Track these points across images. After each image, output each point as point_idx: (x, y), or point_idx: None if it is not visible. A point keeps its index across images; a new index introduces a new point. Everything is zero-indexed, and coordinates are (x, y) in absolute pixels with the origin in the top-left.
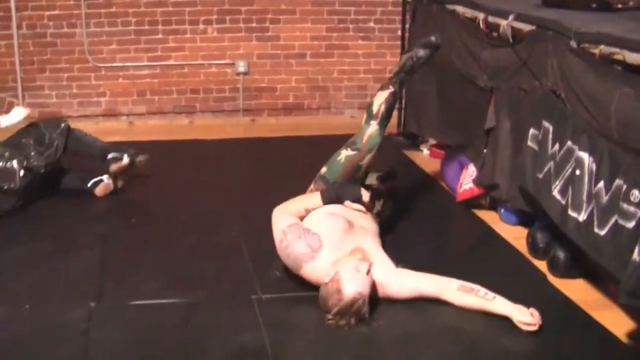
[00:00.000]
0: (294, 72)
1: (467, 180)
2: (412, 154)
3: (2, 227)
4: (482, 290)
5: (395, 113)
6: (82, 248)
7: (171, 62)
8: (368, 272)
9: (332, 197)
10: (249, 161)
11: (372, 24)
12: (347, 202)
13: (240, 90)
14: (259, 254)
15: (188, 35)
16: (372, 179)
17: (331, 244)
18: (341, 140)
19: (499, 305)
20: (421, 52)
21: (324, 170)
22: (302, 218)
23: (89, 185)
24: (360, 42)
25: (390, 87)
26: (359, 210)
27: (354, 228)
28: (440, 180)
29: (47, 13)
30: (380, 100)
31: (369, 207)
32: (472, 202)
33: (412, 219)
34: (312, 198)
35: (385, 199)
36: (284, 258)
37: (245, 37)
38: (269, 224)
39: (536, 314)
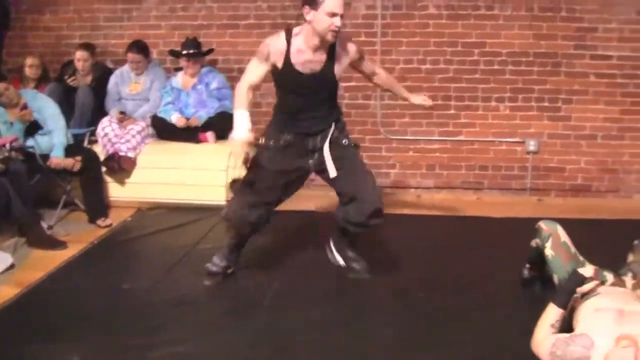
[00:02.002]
0: (583, 153)
1: None
2: None
3: None
4: None
5: None
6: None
7: (462, 137)
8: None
9: (562, 298)
10: None
11: None
12: (579, 289)
13: (528, 169)
14: None
15: (480, 112)
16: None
17: (604, 338)
18: (629, 225)
19: None
20: None
21: (555, 278)
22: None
23: None
24: None
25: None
26: (594, 289)
27: (625, 315)
28: None
29: (344, 84)
30: None
31: (598, 280)
32: None
33: None
34: (549, 313)
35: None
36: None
37: (537, 116)
38: None
39: None
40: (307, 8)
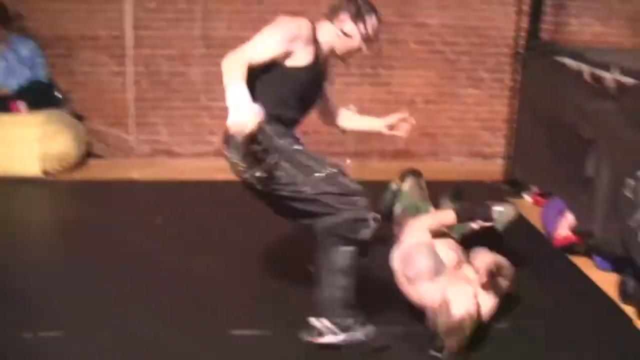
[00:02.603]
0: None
1: (564, 227)
2: (514, 202)
3: None
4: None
5: (500, 161)
6: None
7: None
8: (475, 296)
9: (465, 215)
10: None
11: (482, 73)
12: (479, 222)
13: (350, 135)
14: None
15: None
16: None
17: (448, 274)
18: (448, 187)
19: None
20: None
21: (399, 207)
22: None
23: None
24: (470, 90)
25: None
26: (486, 227)
27: (462, 263)
28: (540, 227)
29: (163, 52)
30: None
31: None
32: (569, 249)
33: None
34: (446, 215)
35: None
36: (403, 264)
37: (358, 82)
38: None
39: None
40: (345, 16)
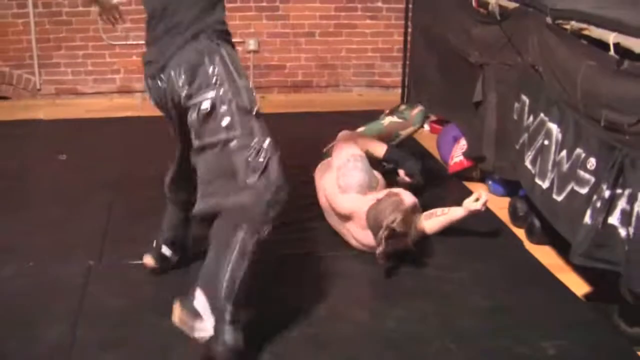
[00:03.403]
0: (303, 50)
1: (458, 153)
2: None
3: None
4: (439, 210)
5: (397, 91)
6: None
7: None
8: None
9: (394, 158)
10: None
11: (379, 4)
12: (402, 172)
13: (250, 68)
14: None
15: None
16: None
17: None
18: (349, 116)
19: (457, 210)
20: None
21: (361, 129)
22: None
23: None
24: (368, 21)
25: None
26: (404, 184)
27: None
28: (436, 154)
29: None
30: None
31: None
32: (463, 175)
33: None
34: (378, 146)
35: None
36: (340, 172)
37: (255, 16)
38: None
39: (483, 193)
40: None
